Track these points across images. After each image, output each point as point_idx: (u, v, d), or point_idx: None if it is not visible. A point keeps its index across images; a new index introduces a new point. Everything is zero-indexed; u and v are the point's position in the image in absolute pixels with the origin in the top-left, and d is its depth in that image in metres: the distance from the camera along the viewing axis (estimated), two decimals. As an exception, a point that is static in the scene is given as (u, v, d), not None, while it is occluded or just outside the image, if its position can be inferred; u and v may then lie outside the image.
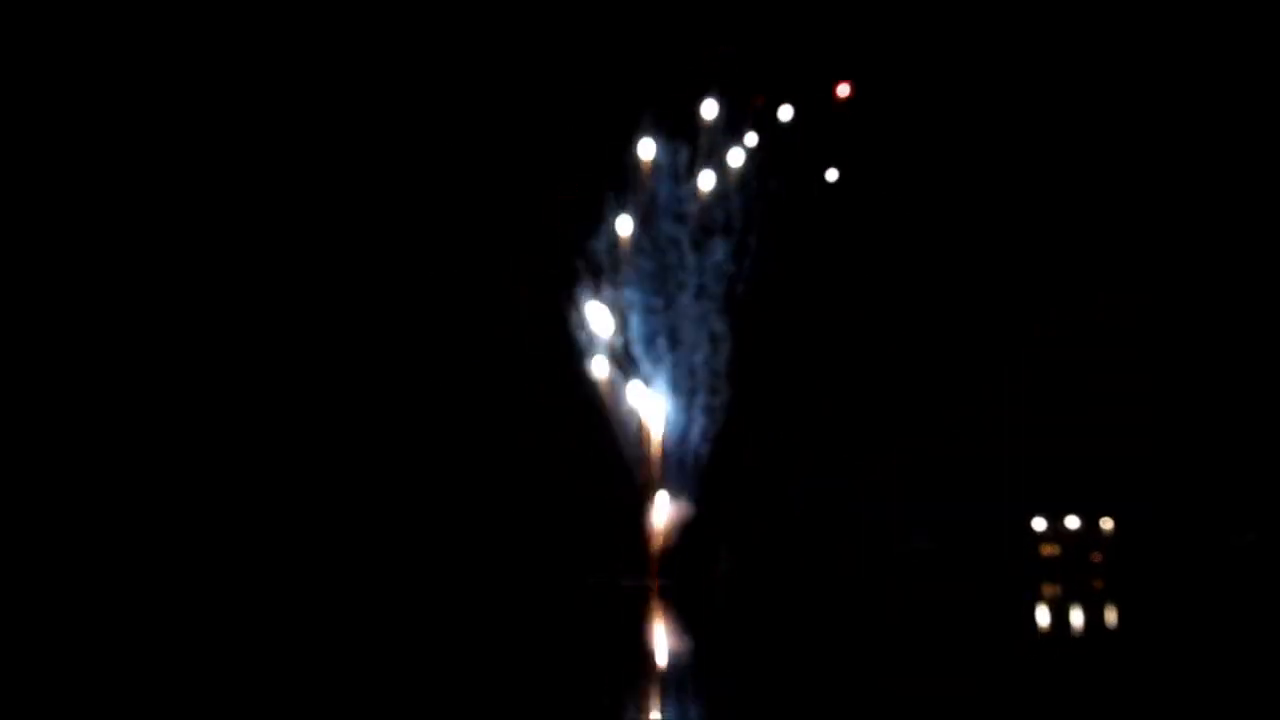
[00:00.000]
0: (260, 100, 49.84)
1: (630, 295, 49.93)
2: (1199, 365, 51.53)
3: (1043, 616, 40.35)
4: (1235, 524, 52.59)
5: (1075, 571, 52.12)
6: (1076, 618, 39.36)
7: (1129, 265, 51.04)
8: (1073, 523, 52.76)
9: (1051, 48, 50.55)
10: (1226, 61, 50.26)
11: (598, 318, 49.96)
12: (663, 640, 35.32)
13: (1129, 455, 50.61)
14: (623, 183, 49.97)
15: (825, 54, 49.73)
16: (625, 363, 49.88)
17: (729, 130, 50.38)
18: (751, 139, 50.49)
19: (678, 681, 27.42)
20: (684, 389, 49.97)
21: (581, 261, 49.70)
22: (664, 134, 50.11)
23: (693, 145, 50.37)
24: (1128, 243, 51.18)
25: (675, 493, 50.20)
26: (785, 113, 50.31)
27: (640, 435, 49.95)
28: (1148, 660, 30.08)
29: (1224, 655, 30.04)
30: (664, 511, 50.21)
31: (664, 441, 49.92)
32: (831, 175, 50.38)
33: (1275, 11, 49.95)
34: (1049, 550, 52.79)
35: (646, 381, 50.01)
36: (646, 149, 50.22)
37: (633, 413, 49.92)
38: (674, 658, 31.48)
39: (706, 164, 50.46)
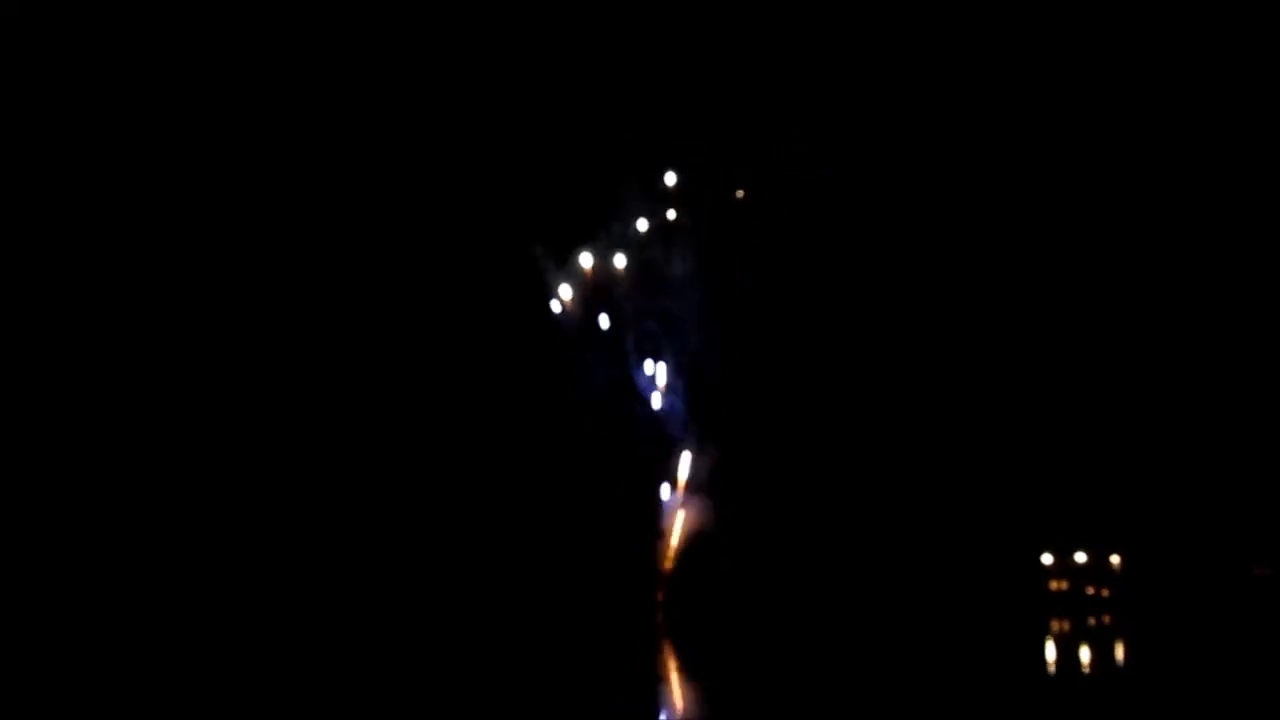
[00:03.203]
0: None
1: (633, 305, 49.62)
2: (1205, 369, 50.15)
3: (1051, 653, 39.25)
4: (1255, 553, 50.07)
5: (1084, 607, 50.66)
6: (1085, 655, 38.50)
7: (1129, 265, 50.26)
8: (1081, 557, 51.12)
9: (1051, 49, 50.05)
10: (1226, 62, 49.55)
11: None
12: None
13: (1135, 458, 49.46)
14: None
15: (826, 53, 49.40)
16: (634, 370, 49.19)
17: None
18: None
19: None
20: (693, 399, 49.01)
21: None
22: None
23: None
24: (1128, 242, 50.33)
25: (684, 502, 48.82)
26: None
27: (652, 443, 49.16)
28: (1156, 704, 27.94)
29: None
30: (674, 522, 48.81)
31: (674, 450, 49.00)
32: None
33: (1275, 12, 49.07)
34: (1057, 585, 51.33)
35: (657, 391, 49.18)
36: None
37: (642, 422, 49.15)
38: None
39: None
